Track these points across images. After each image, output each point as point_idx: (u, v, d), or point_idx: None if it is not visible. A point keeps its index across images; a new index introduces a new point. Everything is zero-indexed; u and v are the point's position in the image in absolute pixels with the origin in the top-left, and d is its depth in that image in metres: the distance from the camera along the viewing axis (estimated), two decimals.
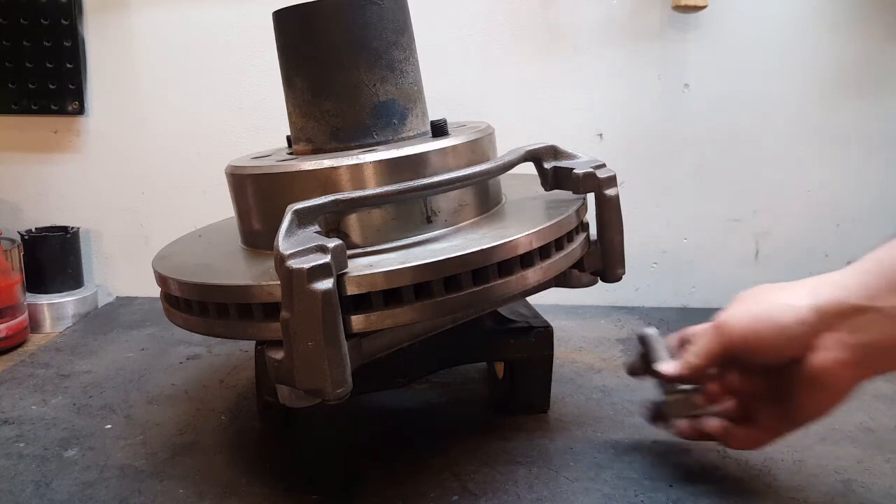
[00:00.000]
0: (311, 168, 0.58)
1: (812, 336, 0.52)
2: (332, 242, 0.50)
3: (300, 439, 0.73)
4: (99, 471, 0.66)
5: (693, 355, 0.58)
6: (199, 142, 1.15)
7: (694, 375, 0.59)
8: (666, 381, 0.62)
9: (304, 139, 0.67)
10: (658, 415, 0.65)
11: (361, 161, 0.58)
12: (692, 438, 0.63)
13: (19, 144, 1.16)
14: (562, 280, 0.68)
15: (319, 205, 0.54)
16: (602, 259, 0.68)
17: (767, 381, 0.57)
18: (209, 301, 0.57)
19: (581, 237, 0.65)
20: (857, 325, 0.50)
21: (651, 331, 0.64)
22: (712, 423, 0.61)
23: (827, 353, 0.51)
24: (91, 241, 1.19)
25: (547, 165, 0.67)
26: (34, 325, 1.06)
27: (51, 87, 1.12)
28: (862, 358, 0.51)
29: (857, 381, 0.52)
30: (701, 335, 0.59)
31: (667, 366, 0.61)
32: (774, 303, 0.54)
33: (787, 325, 0.52)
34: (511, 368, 0.75)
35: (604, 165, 0.66)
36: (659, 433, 0.72)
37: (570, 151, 0.68)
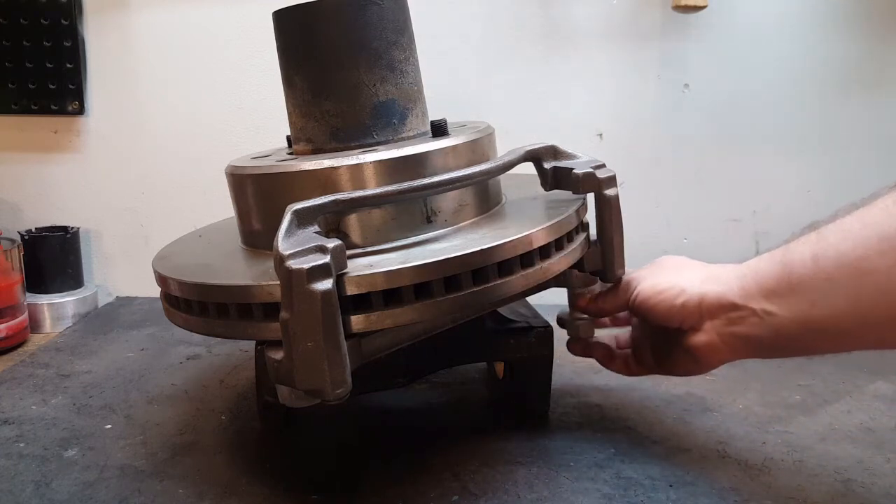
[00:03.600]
0: (311, 168, 0.58)
1: (695, 319, 0.61)
2: (332, 243, 0.50)
3: (300, 439, 0.73)
4: (99, 471, 0.66)
5: (603, 301, 0.70)
6: (199, 142, 1.15)
7: (598, 314, 0.72)
8: (577, 308, 0.72)
9: (304, 139, 0.67)
10: (563, 325, 0.74)
11: (361, 161, 0.58)
12: (580, 355, 0.74)
13: (19, 144, 1.16)
14: (562, 280, 0.68)
15: (319, 205, 0.54)
16: (602, 259, 0.68)
17: (656, 332, 0.67)
18: (209, 301, 0.57)
19: (581, 237, 0.65)
20: (732, 319, 0.59)
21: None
22: (599, 349, 0.73)
23: (704, 335, 0.61)
24: (91, 241, 1.19)
25: (547, 165, 0.67)
26: (34, 325, 1.06)
27: (51, 87, 1.12)
28: (732, 344, 0.60)
29: (727, 359, 0.62)
30: (616, 286, 0.70)
31: (582, 300, 0.72)
32: (673, 283, 0.64)
33: (675, 306, 0.62)
34: (511, 368, 0.75)
35: (604, 165, 0.66)
36: (659, 434, 0.72)
37: (569, 151, 0.68)
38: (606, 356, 0.72)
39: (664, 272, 0.66)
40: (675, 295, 0.62)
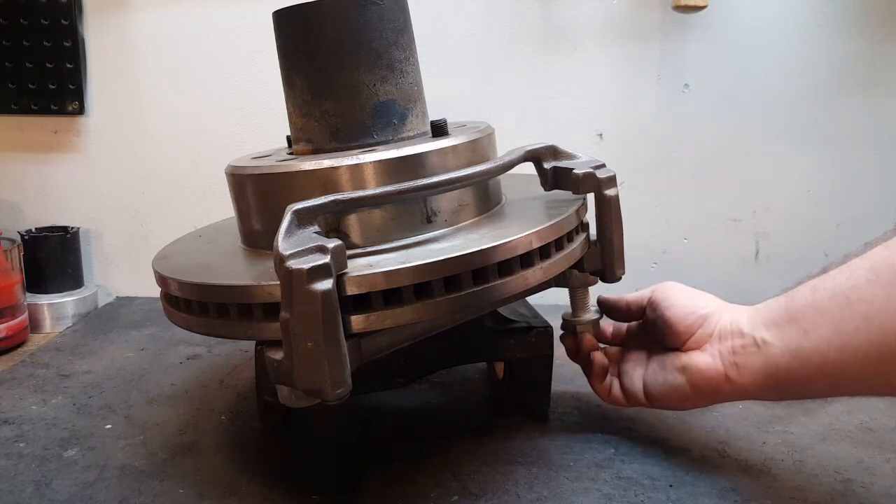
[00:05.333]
0: (310, 168, 0.58)
1: (705, 336, 0.62)
2: (332, 243, 0.50)
3: (300, 439, 0.73)
4: (99, 471, 0.66)
5: (629, 296, 0.71)
6: (199, 142, 1.15)
7: (616, 308, 0.72)
8: (598, 304, 0.74)
9: (304, 139, 0.67)
10: (566, 325, 0.73)
11: (361, 161, 0.58)
12: (575, 354, 0.73)
13: (19, 144, 1.17)
14: (562, 280, 0.68)
15: (319, 205, 0.54)
16: (602, 259, 0.68)
17: (654, 352, 0.67)
18: (209, 301, 0.57)
19: (581, 237, 0.65)
20: (735, 347, 0.60)
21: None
22: (598, 360, 0.70)
23: (708, 356, 0.61)
24: (91, 241, 1.19)
25: (547, 165, 0.67)
26: (34, 325, 1.06)
27: (51, 87, 1.12)
28: (731, 375, 0.59)
29: (722, 392, 0.61)
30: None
31: (607, 296, 0.74)
32: (702, 295, 0.66)
33: (697, 311, 0.63)
34: (511, 368, 0.75)
35: (604, 165, 0.66)
36: (659, 434, 0.72)
37: (569, 151, 0.68)
38: (600, 371, 0.70)
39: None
40: (703, 304, 0.64)
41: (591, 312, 0.73)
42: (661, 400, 0.65)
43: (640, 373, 0.68)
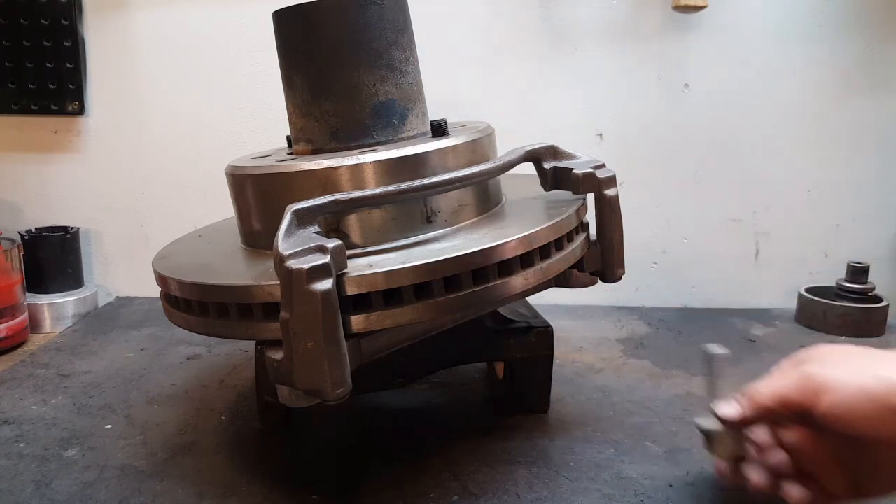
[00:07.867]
0: (310, 168, 0.58)
1: None
2: (332, 243, 0.50)
3: (300, 439, 0.73)
4: (99, 471, 0.66)
5: (763, 396, 0.52)
6: (199, 142, 1.15)
7: (754, 418, 0.53)
8: (722, 421, 0.55)
9: (304, 139, 0.67)
10: (707, 436, 0.57)
11: (361, 161, 0.58)
12: (734, 484, 0.57)
13: (19, 144, 1.16)
14: (562, 280, 0.68)
15: (319, 205, 0.54)
16: (602, 259, 0.68)
17: (836, 446, 0.52)
18: (209, 301, 0.57)
19: (581, 237, 0.65)
20: None
21: (719, 351, 0.57)
22: (760, 477, 0.55)
23: None
24: (91, 241, 1.19)
25: (546, 165, 0.67)
26: (34, 325, 1.06)
27: (51, 87, 1.12)
28: None
29: None
30: (778, 377, 0.52)
31: (727, 407, 0.54)
32: (877, 374, 0.47)
33: (890, 407, 0.46)
34: (511, 368, 0.75)
35: (603, 165, 0.66)
36: (659, 434, 0.72)
37: (569, 151, 0.68)
38: (780, 487, 0.54)
39: (850, 363, 0.50)
40: (889, 393, 0.46)
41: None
42: (887, 486, 0.51)
43: (836, 461, 0.53)
